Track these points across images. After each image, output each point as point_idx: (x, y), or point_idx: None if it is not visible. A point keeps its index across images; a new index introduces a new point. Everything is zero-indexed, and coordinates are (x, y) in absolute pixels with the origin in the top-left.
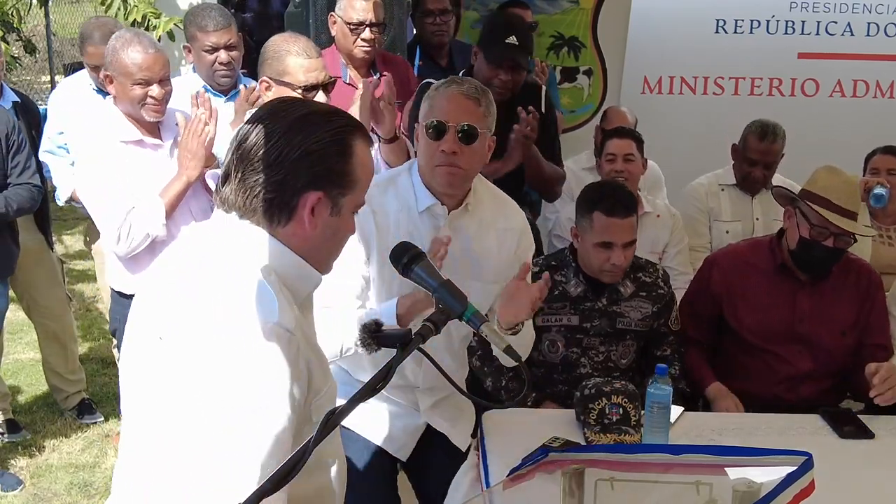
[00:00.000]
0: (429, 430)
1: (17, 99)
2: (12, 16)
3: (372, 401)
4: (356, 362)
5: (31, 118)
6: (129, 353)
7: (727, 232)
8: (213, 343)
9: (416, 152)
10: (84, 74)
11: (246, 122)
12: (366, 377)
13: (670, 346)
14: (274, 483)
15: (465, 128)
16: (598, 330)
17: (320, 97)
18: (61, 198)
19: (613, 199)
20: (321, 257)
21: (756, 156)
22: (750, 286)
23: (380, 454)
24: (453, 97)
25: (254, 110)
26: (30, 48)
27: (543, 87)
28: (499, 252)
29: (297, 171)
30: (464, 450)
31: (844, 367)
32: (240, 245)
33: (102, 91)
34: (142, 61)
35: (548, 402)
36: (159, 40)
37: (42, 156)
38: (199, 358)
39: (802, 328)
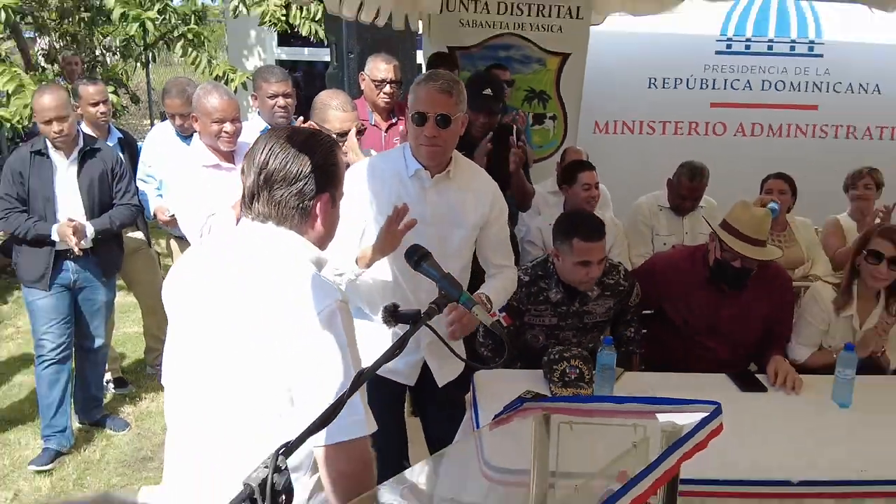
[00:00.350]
0: (429, 382)
1: (121, 136)
2: (122, 75)
3: (382, 341)
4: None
5: (131, 151)
6: (190, 337)
7: (664, 244)
8: (293, 322)
9: None
10: (167, 123)
11: (256, 153)
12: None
13: (632, 315)
14: (313, 428)
15: (441, 116)
16: (571, 326)
17: (353, 139)
18: (150, 214)
19: (589, 227)
20: (325, 242)
21: (686, 192)
22: (682, 291)
23: (388, 386)
24: (430, 92)
25: None
26: (134, 99)
27: (515, 127)
28: (475, 208)
29: (311, 181)
30: (440, 385)
31: (754, 351)
32: (286, 247)
33: (181, 134)
34: (218, 105)
35: None
36: (235, 91)
37: (137, 182)
38: (282, 334)
39: (723, 328)
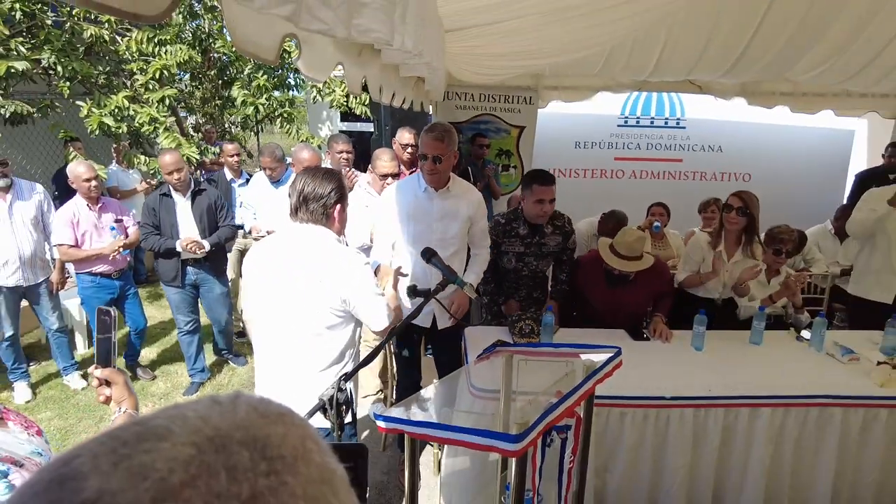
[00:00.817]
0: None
1: (248, 176)
2: (242, 140)
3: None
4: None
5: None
6: (282, 296)
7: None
8: (344, 273)
9: None
10: (262, 173)
11: (297, 183)
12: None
13: (567, 263)
14: (360, 364)
15: (435, 157)
16: (532, 253)
17: (392, 179)
18: (248, 230)
19: (544, 177)
20: (340, 232)
21: (608, 234)
22: (593, 280)
23: (413, 329)
24: (428, 140)
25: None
26: (250, 155)
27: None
28: (466, 210)
29: (331, 197)
30: (440, 328)
31: (643, 316)
32: (324, 236)
33: (271, 180)
34: (308, 157)
35: (510, 301)
36: (320, 147)
37: (241, 209)
38: (341, 280)
39: (619, 306)
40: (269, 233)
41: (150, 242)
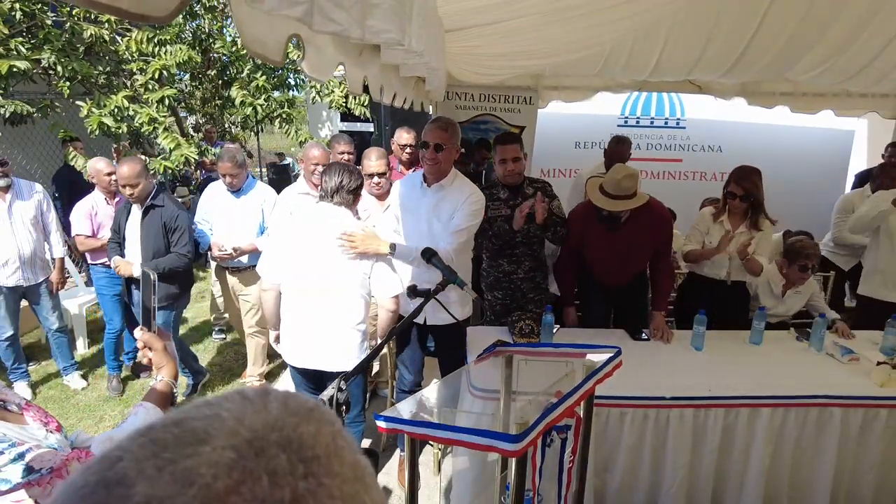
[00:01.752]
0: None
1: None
2: (242, 140)
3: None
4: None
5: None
6: (316, 261)
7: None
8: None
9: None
10: (220, 181)
11: (333, 174)
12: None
13: (560, 222)
14: (368, 358)
15: (437, 144)
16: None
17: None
18: (206, 246)
19: (504, 137)
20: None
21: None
22: (588, 230)
23: (409, 328)
24: (432, 128)
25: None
26: (249, 155)
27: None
28: (452, 206)
29: (354, 184)
30: (430, 323)
31: (644, 267)
32: (349, 216)
33: (230, 190)
34: (315, 155)
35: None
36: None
37: (197, 222)
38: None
39: (617, 253)
40: (235, 251)
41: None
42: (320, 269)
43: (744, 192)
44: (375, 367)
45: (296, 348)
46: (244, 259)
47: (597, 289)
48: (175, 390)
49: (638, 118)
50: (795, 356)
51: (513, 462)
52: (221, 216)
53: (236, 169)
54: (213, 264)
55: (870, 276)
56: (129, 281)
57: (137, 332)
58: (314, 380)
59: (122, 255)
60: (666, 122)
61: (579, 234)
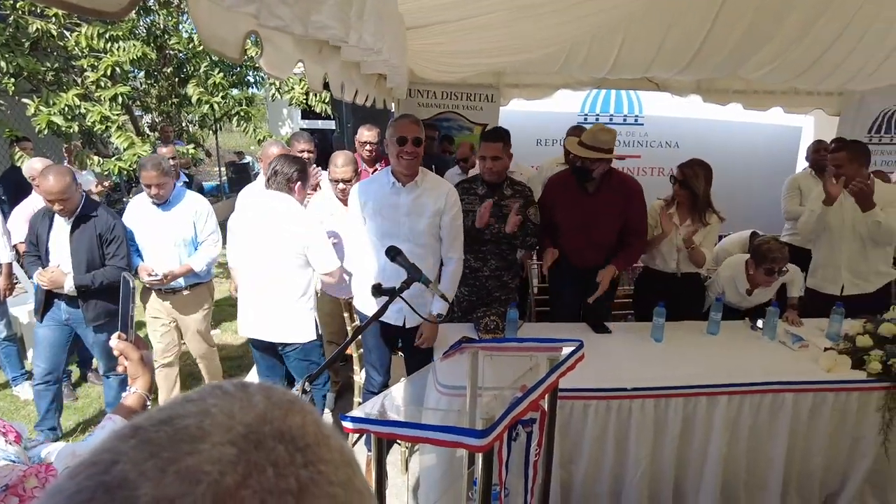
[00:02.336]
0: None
1: (186, 180)
2: (200, 138)
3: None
4: (370, 302)
5: (193, 188)
6: (260, 241)
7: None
8: (303, 225)
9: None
10: (144, 194)
11: (274, 162)
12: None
13: (532, 230)
14: (331, 360)
15: (416, 138)
16: (493, 213)
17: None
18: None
19: (490, 134)
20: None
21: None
22: (560, 192)
23: (384, 328)
24: (407, 124)
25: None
26: (208, 154)
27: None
28: (433, 204)
29: (293, 173)
30: (408, 326)
31: (613, 242)
32: (289, 200)
33: (156, 202)
34: (274, 153)
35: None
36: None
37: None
38: (301, 231)
39: (587, 221)
40: (166, 277)
41: (26, 265)
42: (262, 250)
43: (683, 176)
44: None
45: (248, 322)
46: (180, 280)
47: (567, 277)
48: (148, 404)
49: (597, 115)
50: (750, 345)
51: (479, 457)
52: (147, 234)
53: (162, 178)
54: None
55: (815, 271)
56: (52, 295)
57: (113, 341)
58: (269, 350)
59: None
60: (625, 119)
61: (553, 200)
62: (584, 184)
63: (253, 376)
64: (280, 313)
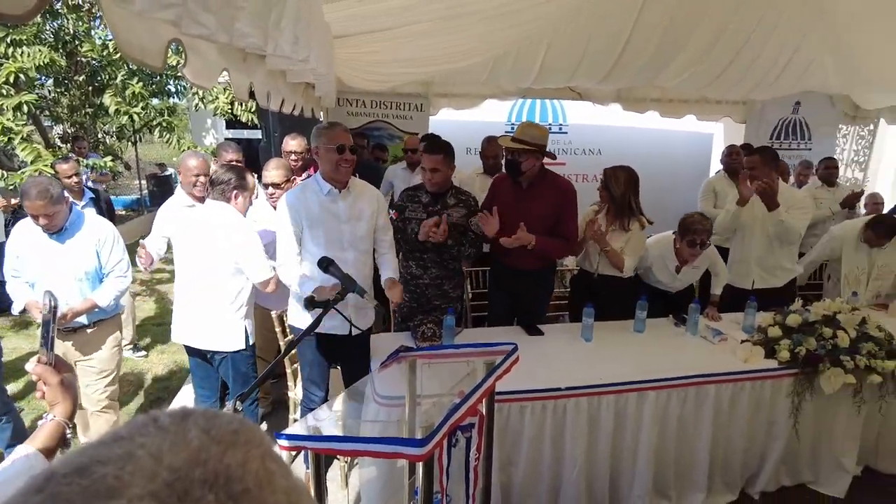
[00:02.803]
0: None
1: (92, 195)
2: (118, 150)
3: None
4: (303, 316)
5: (107, 205)
6: (196, 250)
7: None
8: (236, 234)
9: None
10: (30, 220)
11: (216, 171)
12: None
13: (471, 241)
14: (263, 377)
15: (351, 147)
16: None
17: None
18: (17, 311)
19: (428, 146)
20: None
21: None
22: (499, 189)
23: (323, 341)
24: (342, 132)
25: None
26: (127, 167)
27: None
28: (369, 207)
29: (231, 182)
30: (352, 333)
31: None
32: (229, 210)
33: (47, 232)
34: (192, 165)
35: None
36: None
37: (7, 276)
38: (236, 240)
39: (519, 220)
40: (66, 315)
41: None
42: (195, 258)
43: (604, 180)
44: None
45: (181, 329)
46: (81, 318)
47: (502, 279)
48: (68, 433)
49: None
50: (674, 341)
51: (420, 466)
52: (41, 267)
53: (52, 207)
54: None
55: (730, 266)
56: None
57: (30, 364)
58: (202, 357)
59: None
60: (549, 128)
61: (492, 199)
62: (518, 180)
63: (183, 396)
64: (209, 320)
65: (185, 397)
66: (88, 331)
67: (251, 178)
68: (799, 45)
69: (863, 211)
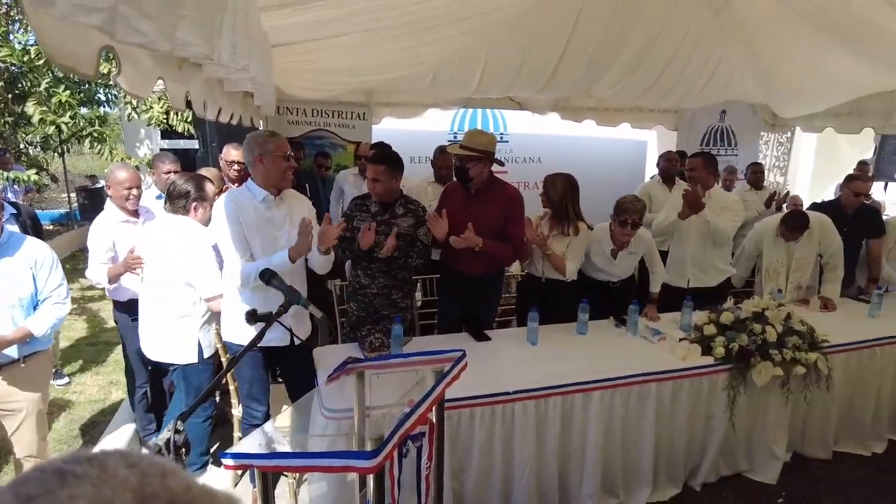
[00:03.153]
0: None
1: (14, 211)
2: (44, 162)
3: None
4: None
5: (24, 220)
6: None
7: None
8: (187, 246)
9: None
10: None
11: (174, 183)
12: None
13: (419, 251)
14: (204, 396)
15: (289, 154)
16: (383, 231)
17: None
18: None
19: (376, 156)
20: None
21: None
22: (450, 201)
23: (264, 355)
24: (283, 140)
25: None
26: (54, 179)
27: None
28: (298, 214)
29: (187, 193)
30: (293, 343)
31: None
32: (186, 222)
33: None
34: (127, 177)
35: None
36: (138, 168)
37: None
38: (188, 253)
39: (469, 222)
40: None
41: None
42: (151, 270)
43: (544, 186)
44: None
45: (142, 340)
46: (11, 351)
47: (452, 284)
48: None
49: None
50: (616, 341)
51: (371, 478)
52: None
53: None
54: None
55: (668, 266)
56: None
57: None
58: (160, 367)
59: None
60: None
61: (444, 205)
62: (467, 186)
63: (121, 418)
64: (160, 332)
65: (123, 418)
66: (21, 365)
67: (211, 187)
68: (721, 59)
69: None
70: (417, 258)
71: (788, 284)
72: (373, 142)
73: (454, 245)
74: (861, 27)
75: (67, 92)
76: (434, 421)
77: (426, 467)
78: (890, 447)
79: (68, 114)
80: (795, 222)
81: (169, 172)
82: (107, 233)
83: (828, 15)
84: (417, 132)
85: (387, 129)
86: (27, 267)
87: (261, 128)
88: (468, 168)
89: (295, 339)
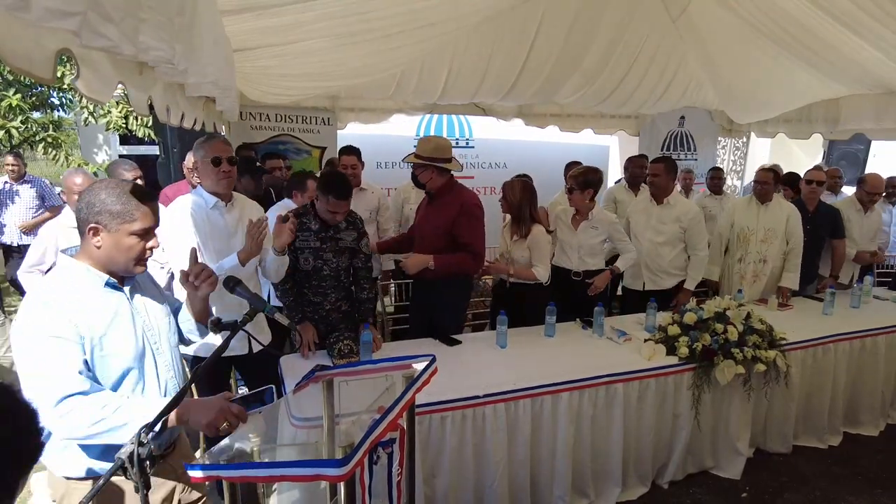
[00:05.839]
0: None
1: None
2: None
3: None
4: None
5: None
6: None
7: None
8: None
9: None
10: None
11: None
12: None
13: (363, 262)
14: (167, 408)
15: (230, 157)
16: (330, 248)
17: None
18: None
19: (338, 190)
20: None
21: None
22: (421, 205)
23: (219, 364)
24: (220, 144)
25: None
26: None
27: None
28: (250, 217)
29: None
30: (252, 351)
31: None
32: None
33: None
34: (78, 183)
35: (306, 323)
36: (96, 174)
37: None
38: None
39: (423, 230)
40: None
41: None
42: None
43: (503, 190)
44: None
45: None
46: None
47: (417, 292)
48: None
49: None
50: (583, 343)
51: (342, 486)
52: None
53: None
54: None
55: (627, 270)
56: None
57: None
58: None
59: None
60: (457, 143)
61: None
62: (427, 193)
63: None
64: None
65: None
66: None
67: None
68: (679, 66)
69: None
70: (363, 269)
71: (754, 255)
72: (338, 147)
73: (405, 270)
74: (812, 38)
75: (18, 95)
76: (405, 426)
77: (397, 473)
78: (845, 440)
79: (19, 118)
80: (773, 174)
81: (131, 181)
82: (51, 236)
83: (779, 25)
84: (383, 137)
85: (352, 134)
86: None
87: (224, 133)
88: (418, 175)
89: (253, 345)
